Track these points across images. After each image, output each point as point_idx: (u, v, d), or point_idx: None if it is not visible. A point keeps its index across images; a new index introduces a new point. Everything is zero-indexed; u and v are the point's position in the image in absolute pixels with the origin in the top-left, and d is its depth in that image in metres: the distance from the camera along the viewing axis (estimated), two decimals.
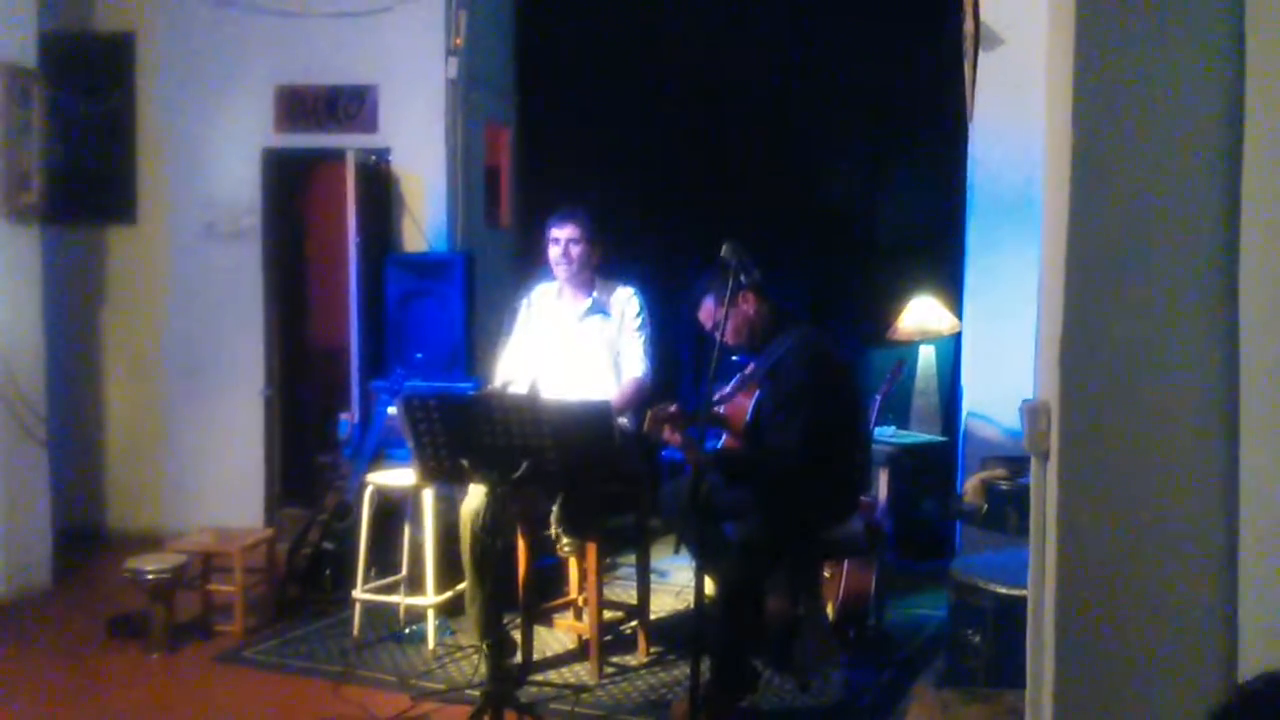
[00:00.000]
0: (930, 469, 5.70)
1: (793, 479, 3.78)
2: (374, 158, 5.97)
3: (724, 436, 4.20)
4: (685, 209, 6.55)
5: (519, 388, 4.34)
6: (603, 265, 4.61)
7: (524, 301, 4.69)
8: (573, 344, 4.53)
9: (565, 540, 4.26)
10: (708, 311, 3.96)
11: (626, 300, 4.55)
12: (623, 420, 4.38)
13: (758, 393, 4.04)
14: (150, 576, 4.46)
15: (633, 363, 4.51)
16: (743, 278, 3.59)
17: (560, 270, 4.51)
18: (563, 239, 4.47)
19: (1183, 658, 2.00)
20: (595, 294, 4.55)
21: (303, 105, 6.15)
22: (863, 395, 4.55)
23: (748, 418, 4.02)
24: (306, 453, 6.14)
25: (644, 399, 4.46)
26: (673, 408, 3.80)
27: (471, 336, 5.66)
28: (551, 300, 4.63)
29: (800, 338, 3.95)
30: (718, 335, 3.66)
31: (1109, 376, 2.04)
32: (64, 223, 6.02)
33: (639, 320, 4.53)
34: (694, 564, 3.74)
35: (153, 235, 6.33)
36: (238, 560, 4.67)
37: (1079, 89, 2.02)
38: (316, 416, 6.15)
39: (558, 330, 4.57)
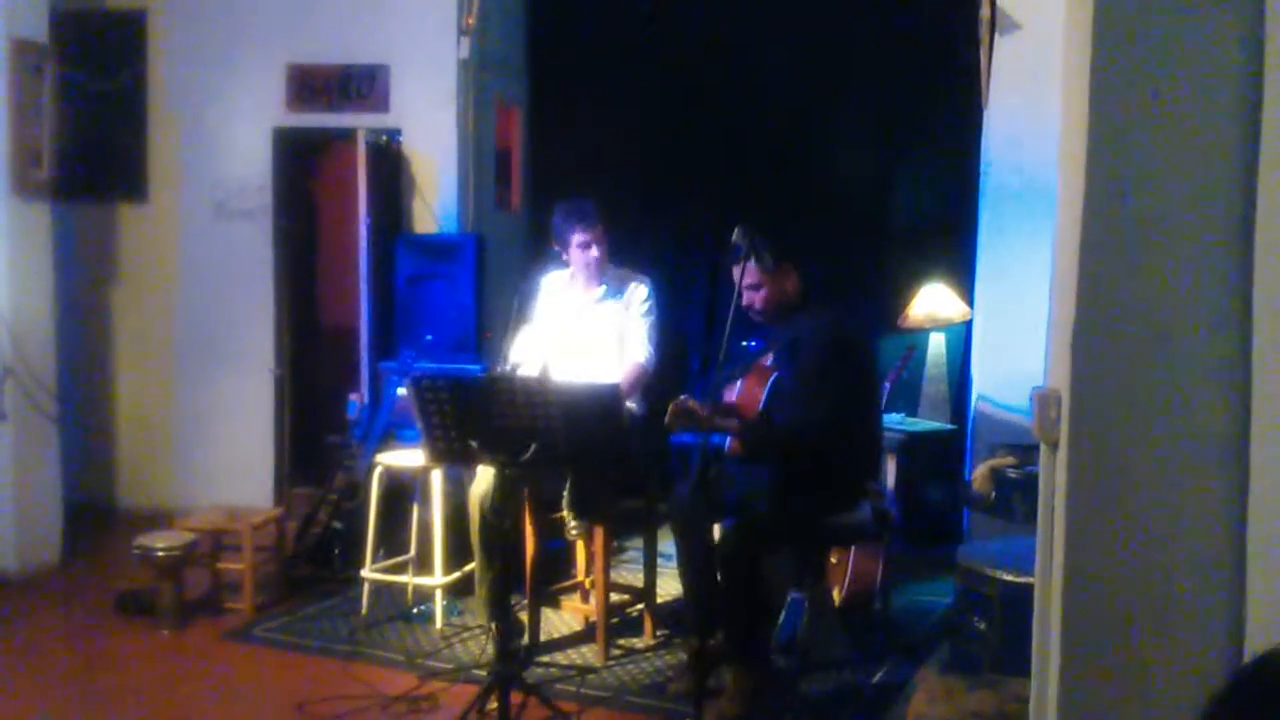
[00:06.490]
0: (939, 456, 5.69)
1: (811, 453, 3.77)
2: (385, 138, 5.96)
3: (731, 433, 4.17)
4: (696, 193, 6.52)
5: (529, 370, 4.34)
6: (611, 250, 4.59)
7: (539, 285, 4.68)
8: (586, 329, 4.52)
9: (573, 523, 4.27)
10: (748, 272, 3.75)
11: (636, 288, 4.53)
12: (631, 405, 4.37)
13: (774, 375, 4.02)
14: (160, 554, 4.48)
15: (635, 347, 4.49)
16: (752, 261, 3.57)
17: (590, 270, 4.45)
18: (591, 240, 4.42)
19: (1189, 647, 1.99)
20: (608, 280, 4.54)
21: (314, 85, 6.14)
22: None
23: (760, 406, 4.00)
24: (316, 432, 6.16)
25: (645, 384, 4.46)
26: (691, 403, 3.78)
27: (481, 318, 5.66)
28: (564, 286, 4.62)
29: (825, 318, 3.91)
30: (746, 298, 3.61)
31: (1120, 365, 2.03)
32: (75, 200, 6.04)
33: (646, 306, 4.52)
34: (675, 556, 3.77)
35: (163, 213, 6.35)
36: (247, 538, 4.69)
37: (1095, 76, 2.01)
38: (326, 396, 6.16)
39: (571, 315, 4.55)
